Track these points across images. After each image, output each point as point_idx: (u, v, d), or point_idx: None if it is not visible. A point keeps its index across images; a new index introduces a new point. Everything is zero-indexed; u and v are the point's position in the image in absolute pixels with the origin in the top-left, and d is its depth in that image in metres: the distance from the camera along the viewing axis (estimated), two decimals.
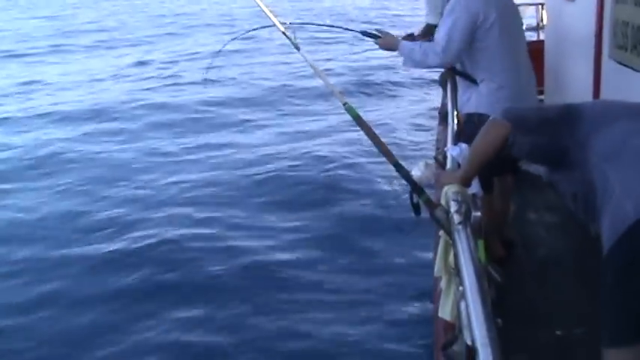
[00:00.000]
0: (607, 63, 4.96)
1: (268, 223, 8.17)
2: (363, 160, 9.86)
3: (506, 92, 4.26)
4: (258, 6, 3.97)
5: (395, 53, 4.69)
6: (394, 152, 3.29)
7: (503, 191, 4.50)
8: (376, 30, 4.76)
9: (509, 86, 4.28)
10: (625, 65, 4.55)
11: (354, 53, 19.03)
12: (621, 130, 2.48)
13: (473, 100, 4.44)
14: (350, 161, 10.18)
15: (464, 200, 2.74)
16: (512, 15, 4.50)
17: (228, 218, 8.38)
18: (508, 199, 4.58)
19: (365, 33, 4.84)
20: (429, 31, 6.71)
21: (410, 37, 4.81)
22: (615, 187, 2.36)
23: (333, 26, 5.15)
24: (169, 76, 18.40)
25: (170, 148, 12.03)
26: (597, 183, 2.43)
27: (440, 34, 4.33)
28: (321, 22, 4.97)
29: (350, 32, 5.07)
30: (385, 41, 4.69)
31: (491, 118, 2.83)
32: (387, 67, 17.12)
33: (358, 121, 3.37)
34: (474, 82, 4.43)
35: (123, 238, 7.97)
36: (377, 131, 3.34)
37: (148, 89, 16.87)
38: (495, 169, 4.11)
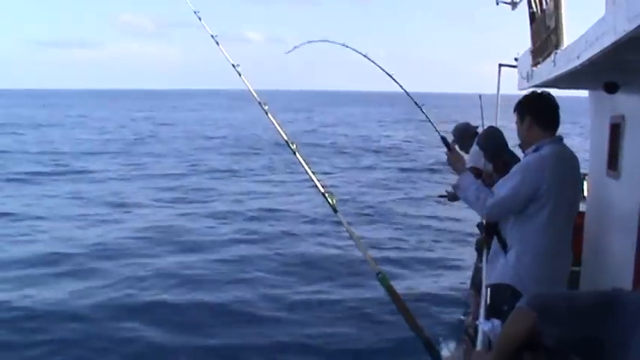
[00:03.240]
0: None
1: None
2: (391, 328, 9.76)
3: (535, 272, 4.16)
4: (303, 168, 4.05)
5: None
6: (424, 322, 3.19)
7: None
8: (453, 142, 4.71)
9: (541, 263, 4.18)
10: None
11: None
12: None
13: (499, 269, 4.35)
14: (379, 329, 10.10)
15: None
16: (573, 194, 4.42)
17: None
18: None
19: (444, 139, 4.86)
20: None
21: (476, 171, 4.72)
22: None
23: (426, 115, 5.10)
24: None
25: None
26: None
27: (502, 189, 4.28)
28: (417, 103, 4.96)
29: (435, 133, 5.02)
30: (455, 158, 4.67)
31: (517, 305, 2.72)
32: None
33: (390, 291, 3.29)
34: (504, 246, 4.35)
35: None
36: (408, 302, 3.24)
37: None
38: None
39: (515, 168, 4.36)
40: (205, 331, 10.26)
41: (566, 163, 4.34)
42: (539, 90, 4.73)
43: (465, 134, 7.89)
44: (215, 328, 10.38)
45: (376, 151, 41.14)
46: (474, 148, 7.17)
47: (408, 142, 46.90)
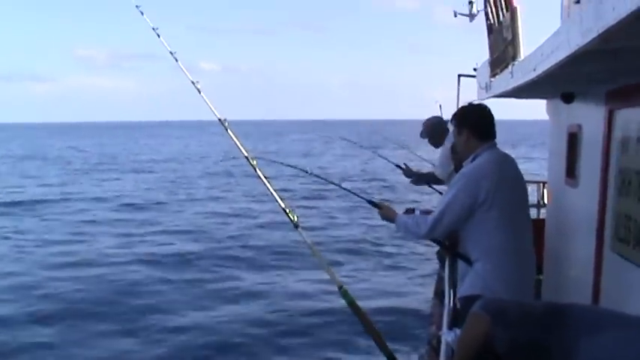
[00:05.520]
0: (608, 255, 4.90)
1: None
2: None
3: (501, 274, 4.22)
4: (265, 184, 4.03)
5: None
6: (386, 335, 3.20)
7: None
8: (380, 201, 4.92)
9: (505, 269, 4.24)
10: (628, 260, 4.47)
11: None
12: (613, 340, 2.38)
13: (467, 281, 4.39)
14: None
15: None
16: (518, 193, 4.51)
17: None
18: None
19: (371, 202, 4.96)
20: (430, 177, 7.78)
21: (410, 211, 4.91)
22: None
23: (345, 189, 5.25)
24: None
25: None
26: None
27: (440, 205, 4.38)
28: (337, 183, 5.15)
29: (357, 198, 5.19)
30: (385, 212, 4.80)
31: (471, 310, 2.75)
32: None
33: (353, 307, 3.29)
34: (468, 262, 4.40)
35: None
36: (371, 316, 3.24)
37: None
38: None
39: (452, 181, 4.48)
40: None
41: (503, 165, 4.48)
42: (475, 102, 4.85)
43: (437, 129, 7.86)
44: None
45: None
46: (446, 154, 7.15)
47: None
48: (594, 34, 2.60)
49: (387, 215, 4.77)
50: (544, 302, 2.79)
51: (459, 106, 4.86)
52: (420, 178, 8.05)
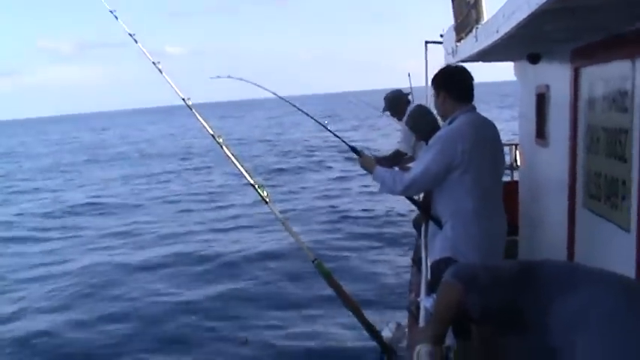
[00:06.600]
0: (581, 211, 4.96)
1: None
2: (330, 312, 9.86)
3: (472, 236, 4.26)
4: (233, 162, 4.00)
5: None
6: (364, 302, 3.21)
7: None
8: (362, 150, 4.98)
9: (474, 234, 4.28)
10: (599, 215, 4.53)
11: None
12: (588, 296, 2.39)
13: (438, 244, 4.43)
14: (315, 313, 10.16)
15: None
16: (494, 158, 4.54)
17: None
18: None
19: (353, 149, 4.98)
20: (397, 156, 7.59)
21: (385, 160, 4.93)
22: (584, 357, 2.25)
23: (330, 131, 5.27)
24: None
25: None
26: (562, 352, 2.32)
27: (416, 166, 4.42)
28: (324, 124, 5.22)
29: (340, 141, 5.25)
30: (365, 161, 4.83)
31: (443, 279, 2.75)
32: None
33: (328, 278, 3.30)
34: (439, 224, 4.44)
35: None
36: (346, 287, 3.26)
37: None
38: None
39: (430, 143, 4.52)
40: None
41: (480, 128, 4.51)
42: (452, 64, 4.86)
43: (397, 102, 8.00)
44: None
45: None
46: (405, 128, 7.23)
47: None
48: None
49: (367, 165, 4.81)
50: (516, 261, 2.78)
51: (435, 71, 4.87)
52: (387, 162, 8.07)
